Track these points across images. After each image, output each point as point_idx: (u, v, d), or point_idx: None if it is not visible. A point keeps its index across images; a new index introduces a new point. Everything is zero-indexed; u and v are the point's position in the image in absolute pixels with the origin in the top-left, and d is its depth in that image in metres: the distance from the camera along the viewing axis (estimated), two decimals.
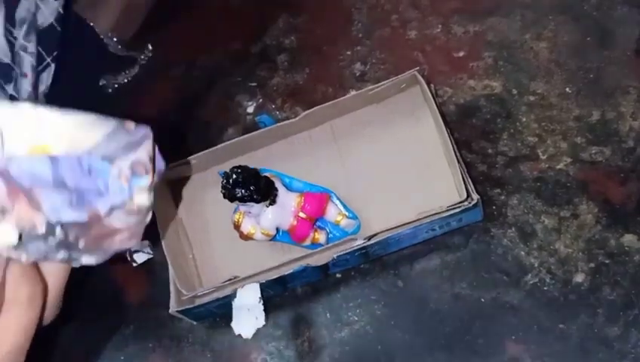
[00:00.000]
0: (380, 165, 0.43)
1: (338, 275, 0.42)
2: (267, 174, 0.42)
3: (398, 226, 0.38)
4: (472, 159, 0.43)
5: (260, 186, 0.39)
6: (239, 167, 0.39)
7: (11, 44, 0.44)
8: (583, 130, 0.42)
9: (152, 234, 0.45)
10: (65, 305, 0.24)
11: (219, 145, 0.44)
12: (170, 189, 0.46)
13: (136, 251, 0.44)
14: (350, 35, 0.51)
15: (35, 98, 0.47)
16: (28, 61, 0.45)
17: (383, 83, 0.43)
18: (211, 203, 0.45)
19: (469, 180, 0.39)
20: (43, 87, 0.48)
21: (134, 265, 0.45)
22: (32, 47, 0.45)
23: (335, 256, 0.39)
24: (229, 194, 0.39)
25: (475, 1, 0.49)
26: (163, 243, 0.42)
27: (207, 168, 0.46)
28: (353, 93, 0.47)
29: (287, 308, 0.42)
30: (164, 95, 0.53)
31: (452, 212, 0.38)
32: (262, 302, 0.39)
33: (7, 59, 0.44)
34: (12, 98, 0.44)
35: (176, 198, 0.46)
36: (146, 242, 0.45)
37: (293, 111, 0.49)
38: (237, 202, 0.40)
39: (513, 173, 0.42)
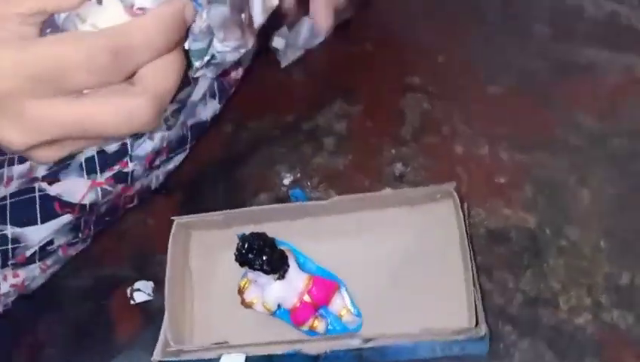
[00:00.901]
0: (397, 268, 0.43)
1: None
2: (284, 248, 0.42)
3: (398, 336, 0.37)
4: (490, 288, 0.42)
5: (273, 258, 0.39)
6: (258, 234, 0.40)
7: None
8: (609, 290, 0.40)
9: (158, 276, 0.45)
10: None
11: (247, 208, 0.45)
12: (190, 236, 0.46)
13: (137, 290, 0.44)
14: (398, 135, 0.52)
15: None
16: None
17: (418, 188, 0.43)
18: (225, 262, 0.44)
19: (482, 310, 0.38)
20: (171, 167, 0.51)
21: (132, 302, 0.45)
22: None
23: (329, 350, 0.38)
24: (241, 259, 0.39)
25: (527, 132, 0.49)
26: (166, 287, 0.42)
27: (231, 226, 0.46)
28: (388, 190, 0.48)
29: None
30: (210, 148, 0.55)
31: (456, 337, 0.36)
32: None
33: None
34: None
35: (193, 247, 0.46)
36: (150, 283, 0.45)
37: (326, 194, 0.50)
38: (247, 268, 0.40)
39: (530, 314, 0.40)
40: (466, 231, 0.40)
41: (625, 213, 0.44)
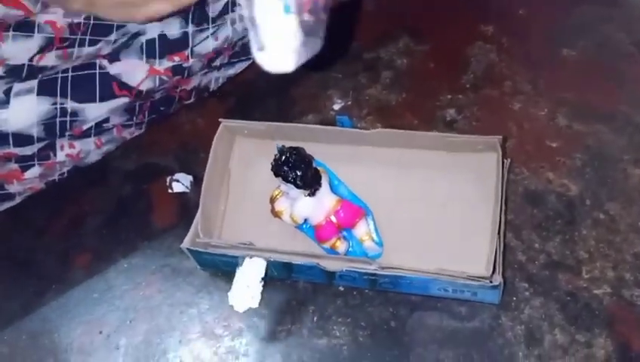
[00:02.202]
0: (427, 208, 0.43)
1: (341, 288, 0.42)
2: (320, 168, 0.43)
3: (414, 270, 0.38)
4: (515, 245, 0.42)
5: (307, 175, 0.40)
6: (296, 148, 0.41)
7: None
8: (635, 269, 0.40)
9: (198, 173, 0.47)
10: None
11: (291, 124, 0.45)
12: (234, 141, 0.48)
13: (177, 180, 0.46)
14: (459, 81, 0.51)
15: None
16: None
17: (463, 136, 0.42)
18: (262, 170, 0.46)
19: (501, 262, 0.38)
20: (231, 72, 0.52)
21: (169, 191, 0.47)
22: None
23: (345, 268, 0.39)
24: (276, 170, 0.40)
25: (591, 102, 0.48)
26: (204, 183, 0.44)
27: (274, 138, 0.47)
28: (434, 133, 0.47)
29: (283, 295, 0.43)
30: None
31: (469, 282, 0.37)
32: (262, 283, 0.40)
33: None
34: None
35: (235, 151, 0.48)
36: (189, 177, 0.47)
37: (373, 126, 0.50)
38: (280, 179, 0.41)
39: (549, 276, 0.40)
40: (503, 186, 0.40)
41: None
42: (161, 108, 0.50)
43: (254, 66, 0.54)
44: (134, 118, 0.48)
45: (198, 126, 0.53)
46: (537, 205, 0.44)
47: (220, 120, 0.46)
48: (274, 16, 0.28)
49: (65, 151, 0.47)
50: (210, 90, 0.52)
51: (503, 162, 0.41)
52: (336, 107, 0.52)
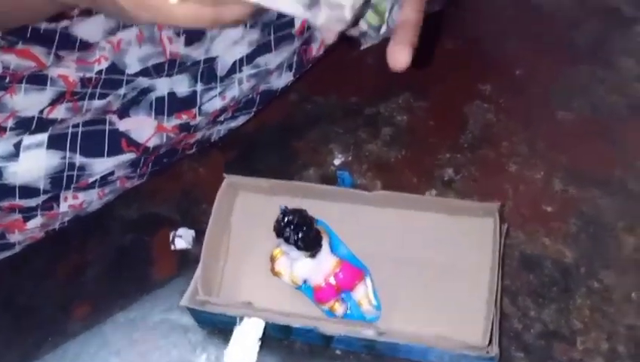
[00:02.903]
0: (425, 271, 0.44)
1: (338, 352, 0.43)
2: (320, 227, 0.43)
3: (412, 337, 0.38)
4: (511, 312, 0.42)
5: (308, 237, 0.41)
6: (299, 211, 0.41)
7: None
8: (629, 341, 0.40)
9: (200, 224, 0.48)
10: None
11: (294, 182, 0.46)
12: (236, 195, 0.48)
13: (179, 236, 0.47)
14: (457, 141, 0.52)
15: None
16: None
17: (463, 201, 0.43)
18: (264, 227, 0.46)
19: (497, 331, 0.38)
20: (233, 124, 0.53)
21: (172, 248, 0.48)
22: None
23: (342, 333, 0.39)
24: (278, 231, 0.41)
25: (586, 166, 0.49)
26: (205, 240, 0.44)
27: (276, 195, 0.48)
28: (433, 196, 0.48)
29: (279, 355, 0.43)
30: (273, 112, 0.56)
31: (466, 352, 0.37)
32: (259, 343, 0.40)
33: None
34: None
35: (237, 206, 0.48)
36: (191, 232, 0.48)
37: (372, 183, 0.51)
38: (282, 239, 0.42)
39: (544, 346, 0.41)
40: (500, 253, 0.41)
41: None
42: (164, 160, 0.51)
43: (256, 119, 0.56)
44: (138, 170, 0.49)
45: (200, 175, 0.54)
46: (533, 271, 0.44)
47: (223, 174, 0.47)
48: None
49: (68, 203, 0.47)
50: (212, 140, 0.53)
51: (500, 228, 0.42)
52: (337, 162, 0.53)
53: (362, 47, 0.59)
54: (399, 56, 0.31)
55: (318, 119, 0.56)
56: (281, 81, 0.51)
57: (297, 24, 0.47)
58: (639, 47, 0.54)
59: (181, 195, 0.53)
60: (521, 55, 0.57)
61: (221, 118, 0.50)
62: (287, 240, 0.41)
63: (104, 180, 0.47)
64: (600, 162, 0.49)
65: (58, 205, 0.47)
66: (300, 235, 0.40)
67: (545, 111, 0.53)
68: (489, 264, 0.42)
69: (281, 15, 0.49)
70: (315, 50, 0.51)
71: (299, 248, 0.41)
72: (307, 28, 0.48)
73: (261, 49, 0.47)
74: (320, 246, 0.42)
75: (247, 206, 0.48)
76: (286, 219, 0.40)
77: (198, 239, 0.48)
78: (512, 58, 0.57)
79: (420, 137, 0.53)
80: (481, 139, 0.52)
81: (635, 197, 0.46)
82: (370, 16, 0.36)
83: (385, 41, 0.58)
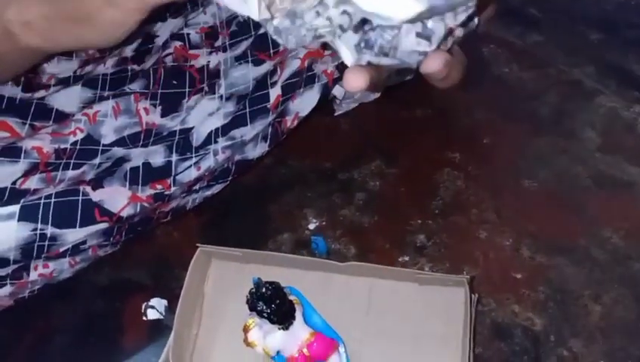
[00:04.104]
0: (397, 341, 0.44)
1: None
2: (294, 298, 0.43)
3: None
4: None
5: (281, 310, 0.41)
6: (271, 283, 0.41)
7: None
8: None
9: (172, 290, 0.48)
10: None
11: (267, 252, 0.47)
12: (209, 263, 0.48)
13: (152, 307, 0.46)
14: (428, 207, 0.54)
15: None
16: None
17: (433, 274, 0.44)
18: (237, 295, 0.46)
19: None
20: (209, 193, 0.54)
21: (144, 318, 0.47)
22: None
23: None
24: (251, 303, 0.41)
25: (552, 235, 0.50)
26: (178, 310, 0.44)
27: (249, 263, 0.48)
28: (405, 261, 0.49)
29: None
30: (247, 176, 0.57)
31: None
32: None
33: None
34: None
35: (211, 275, 0.48)
36: (164, 301, 0.47)
37: (346, 247, 0.52)
38: (254, 313, 0.42)
39: None
40: (470, 324, 0.41)
41: (631, 339, 0.44)
42: (139, 229, 0.51)
43: (231, 186, 0.56)
44: (111, 239, 0.49)
45: (174, 239, 0.54)
46: (504, 339, 0.45)
47: (197, 245, 0.47)
48: None
49: (38, 271, 0.47)
50: (187, 208, 0.54)
51: (471, 299, 0.43)
52: (312, 226, 0.54)
53: (336, 114, 0.62)
54: (355, 79, 0.31)
55: (293, 183, 0.57)
56: (256, 151, 0.52)
57: (272, 99, 0.49)
58: (601, 119, 0.57)
59: (154, 260, 0.52)
60: (487, 124, 0.59)
61: (196, 187, 0.51)
62: (260, 314, 0.41)
63: (76, 249, 0.47)
64: (565, 231, 0.50)
65: (28, 274, 0.46)
66: (273, 307, 0.40)
67: (511, 180, 0.55)
68: (460, 333, 0.43)
69: (256, 89, 0.50)
70: (290, 121, 0.52)
71: (272, 321, 0.41)
72: (281, 102, 0.49)
73: (236, 121, 0.48)
74: (293, 318, 0.42)
75: (221, 274, 0.48)
76: (259, 293, 0.41)
77: (171, 307, 0.47)
78: (479, 127, 0.59)
79: (392, 203, 0.55)
80: (451, 206, 0.53)
81: (600, 265, 0.48)
82: None
83: (358, 107, 0.61)
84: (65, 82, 0.49)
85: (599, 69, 0.61)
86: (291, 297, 0.43)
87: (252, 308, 0.41)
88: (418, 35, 0.32)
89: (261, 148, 0.52)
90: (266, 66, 0.51)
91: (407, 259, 0.50)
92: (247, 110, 0.48)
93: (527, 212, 0.52)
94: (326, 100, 0.57)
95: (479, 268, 0.49)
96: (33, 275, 0.46)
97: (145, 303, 0.47)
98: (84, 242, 0.46)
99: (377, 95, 0.60)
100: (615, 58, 0.62)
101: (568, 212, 0.52)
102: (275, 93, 0.49)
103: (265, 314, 0.40)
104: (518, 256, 0.49)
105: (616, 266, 0.48)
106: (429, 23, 0.31)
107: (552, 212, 0.52)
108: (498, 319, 0.46)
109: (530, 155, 0.56)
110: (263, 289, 0.41)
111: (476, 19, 0.33)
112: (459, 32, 0.33)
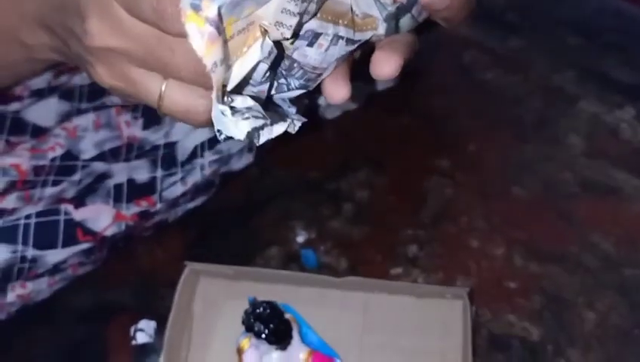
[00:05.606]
0: (395, 357, 0.43)
1: None
2: (289, 316, 0.42)
3: None
4: None
5: (279, 330, 0.39)
6: (268, 303, 0.40)
7: None
8: None
9: (159, 310, 0.46)
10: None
11: (259, 269, 0.45)
12: (198, 282, 0.47)
13: (141, 330, 0.44)
14: (418, 216, 0.53)
15: None
16: None
17: (430, 286, 0.43)
18: (227, 314, 0.45)
19: None
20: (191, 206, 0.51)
21: (133, 343, 0.45)
22: None
23: None
24: (247, 324, 0.40)
25: (543, 242, 0.50)
26: (167, 332, 0.42)
27: (240, 281, 0.46)
28: (399, 273, 0.48)
29: None
30: (232, 189, 0.55)
31: None
32: None
33: None
34: None
35: (199, 294, 0.46)
36: (152, 323, 0.45)
37: (337, 261, 0.50)
38: (251, 333, 0.40)
39: None
40: (469, 336, 0.41)
41: (627, 346, 0.44)
42: (120, 245, 0.48)
43: (215, 198, 0.55)
44: (92, 257, 0.46)
45: (157, 257, 0.52)
46: (502, 351, 0.44)
47: (185, 263, 0.45)
48: None
49: (16, 292, 0.44)
50: (169, 221, 0.52)
51: (470, 311, 0.42)
52: (300, 239, 0.52)
53: (326, 117, 0.60)
54: (385, 66, 0.29)
55: (279, 194, 0.56)
56: (241, 162, 0.50)
57: None
58: (584, 125, 0.58)
59: (137, 279, 0.50)
60: (472, 131, 0.59)
61: (180, 201, 0.49)
62: (257, 335, 0.39)
63: (55, 268, 0.44)
64: (555, 237, 0.50)
65: (5, 295, 0.43)
66: (271, 327, 0.39)
67: (499, 187, 0.55)
68: (459, 346, 0.42)
69: None
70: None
71: (269, 342, 0.39)
72: None
73: None
74: (290, 337, 0.40)
75: (210, 293, 0.46)
76: (255, 313, 0.39)
77: (159, 328, 0.45)
78: (465, 134, 0.59)
79: (382, 213, 0.54)
80: (441, 215, 0.53)
81: (592, 272, 0.48)
82: None
83: (343, 115, 0.60)
84: (39, 94, 0.47)
85: (580, 73, 0.62)
86: (287, 315, 0.42)
87: (248, 328, 0.39)
88: (309, 44, 0.27)
89: (246, 160, 0.51)
90: None
91: (400, 270, 0.49)
92: None
93: (517, 219, 0.52)
94: (311, 109, 0.56)
95: (473, 278, 0.48)
96: (11, 296, 0.43)
97: (133, 326, 0.45)
98: (64, 261, 0.44)
99: (361, 103, 0.60)
100: (594, 63, 0.63)
101: (557, 218, 0.52)
102: None
103: (263, 335, 0.39)
104: (510, 265, 0.49)
105: (607, 273, 0.48)
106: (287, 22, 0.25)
107: (542, 218, 0.52)
108: (495, 330, 0.46)
109: (517, 162, 0.56)
110: (261, 309, 0.39)
111: None
112: None
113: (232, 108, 0.25)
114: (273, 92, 0.29)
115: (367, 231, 0.52)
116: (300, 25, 0.26)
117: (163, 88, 0.26)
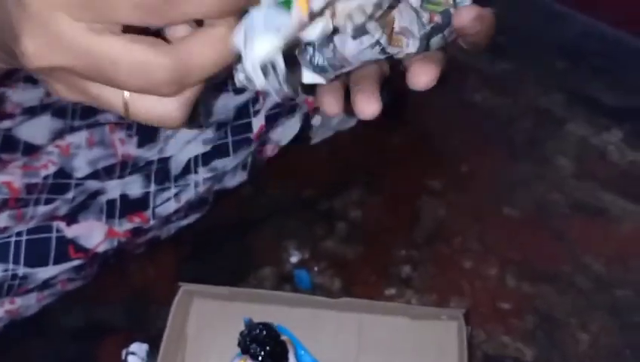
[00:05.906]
0: None
1: None
2: (285, 338, 0.42)
3: None
4: None
5: (275, 352, 0.39)
6: (264, 324, 0.40)
7: None
8: None
9: (150, 330, 0.45)
10: None
11: (253, 290, 0.45)
12: (191, 303, 0.46)
13: (133, 353, 0.43)
14: (411, 236, 0.53)
15: None
16: None
17: (426, 308, 0.44)
18: (222, 335, 0.44)
19: None
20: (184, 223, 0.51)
21: None
22: None
23: None
24: (243, 345, 0.39)
25: (535, 263, 0.51)
26: (160, 353, 0.41)
27: (234, 301, 0.46)
28: (392, 293, 0.48)
29: None
30: (226, 207, 0.54)
31: None
32: None
33: None
34: None
35: (193, 315, 0.46)
36: (145, 346, 0.44)
37: (331, 281, 0.50)
38: (247, 355, 0.40)
39: None
40: (466, 358, 0.41)
41: None
42: (111, 262, 0.48)
43: (209, 212, 0.54)
44: (82, 273, 0.46)
45: (149, 275, 0.51)
46: None
47: (179, 284, 0.45)
48: None
49: (4, 308, 0.43)
50: (162, 238, 0.51)
51: (466, 333, 0.42)
52: (294, 259, 0.52)
53: (312, 142, 0.61)
54: (423, 76, 0.29)
55: (273, 213, 0.55)
56: (234, 180, 0.50)
57: (255, 128, 0.48)
58: (572, 146, 0.58)
59: (129, 297, 0.49)
60: (464, 151, 0.59)
61: (173, 218, 0.49)
62: (253, 357, 0.39)
63: (45, 284, 0.44)
64: (547, 258, 0.51)
65: None
66: (267, 349, 0.39)
67: (491, 207, 0.55)
68: None
69: (237, 117, 0.49)
70: (270, 150, 0.51)
71: None
72: (265, 132, 0.48)
73: (218, 151, 0.46)
74: (287, 359, 0.40)
75: (204, 314, 0.46)
76: (251, 334, 0.39)
77: (151, 351, 0.45)
78: (456, 154, 0.60)
79: (375, 233, 0.54)
80: (434, 235, 0.53)
81: (584, 293, 0.48)
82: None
83: (336, 135, 0.60)
84: (31, 112, 0.46)
85: (567, 96, 0.63)
86: (283, 337, 0.42)
87: (245, 350, 0.39)
88: (354, 37, 0.29)
89: (240, 177, 0.51)
90: (247, 94, 0.50)
91: (393, 291, 0.49)
92: (230, 139, 0.46)
93: (509, 239, 0.52)
94: (306, 129, 0.56)
95: (467, 299, 0.48)
96: None
97: (125, 349, 0.44)
98: (54, 277, 0.43)
99: (353, 123, 0.60)
100: (581, 86, 0.64)
101: (549, 239, 0.52)
102: (258, 122, 0.48)
103: (259, 357, 0.38)
104: (504, 286, 0.49)
105: (599, 293, 0.48)
106: (355, 20, 0.27)
107: (534, 239, 0.52)
108: (489, 351, 0.46)
109: (508, 182, 0.57)
110: (257, 331, 0.39)
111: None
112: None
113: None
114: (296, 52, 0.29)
115: (360, 251, 0.52)
116: (363, 25, 0.27)
117: (127, 97, 0.25)
